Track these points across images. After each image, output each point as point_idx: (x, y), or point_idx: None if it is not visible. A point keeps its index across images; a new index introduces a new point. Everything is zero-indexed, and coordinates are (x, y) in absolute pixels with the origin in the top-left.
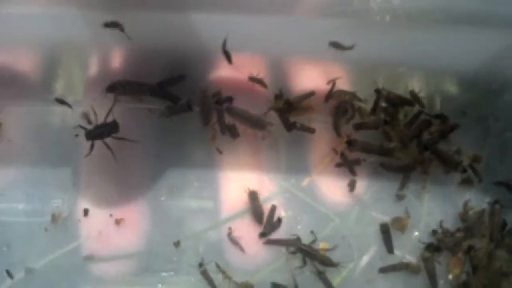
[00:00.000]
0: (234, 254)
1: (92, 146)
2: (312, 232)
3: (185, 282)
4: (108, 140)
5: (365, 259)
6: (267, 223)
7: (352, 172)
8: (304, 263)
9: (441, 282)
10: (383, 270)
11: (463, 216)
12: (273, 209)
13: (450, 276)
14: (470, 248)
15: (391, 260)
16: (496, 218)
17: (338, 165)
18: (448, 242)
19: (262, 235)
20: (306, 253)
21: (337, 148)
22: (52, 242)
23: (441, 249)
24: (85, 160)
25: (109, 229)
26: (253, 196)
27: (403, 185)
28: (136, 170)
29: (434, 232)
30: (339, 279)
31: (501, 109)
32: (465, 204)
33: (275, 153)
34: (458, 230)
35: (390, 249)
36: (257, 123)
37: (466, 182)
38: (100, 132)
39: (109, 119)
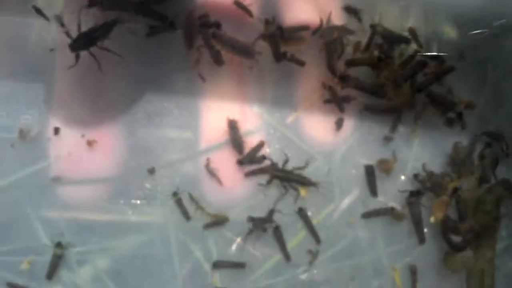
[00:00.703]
0: (211, 187)
1: (77, 57)
2: (285, 154)
3: (157, 211)
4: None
5: (346, 201)
6: (248, 155)
7: (341, 109)
8: (285, 188)
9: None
10: (366, 215)
11: (453, 156)
12: (261, 145)
13: (432, 219)
14: (456, 190)
15: (373, 205)
16: (487, 160)
17: (327, 101)
18: (432, 183)
19: (239, 162)
20: (283, 178)
21: (327, 84)
22: (19, 160)
23: (423, 193)
24: (58, 76)
25: (80, 150)
26: (233, 125)
27: (393, 127)
28: (113, 92)
29: (416, 176)
30: (318, 219)
31: (501, 56)
32: (455, 145)
33: (261, 85)
34: (446, 174)
35: (373, 192)
36: (244, 51)
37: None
38: (90, 38)
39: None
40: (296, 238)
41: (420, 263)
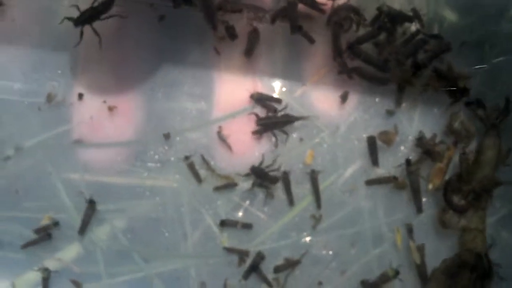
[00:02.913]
0: (222, 153)
1: (81, 33)
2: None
3: (171, 174)
4: (105, 27)
5: (349, 171)
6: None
7: (350, 76)
8: (275, 137)
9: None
10: (369, 183)
11: (449, 125)
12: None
13: (430, 186)
14: (463, 153)
15: (374, 175)
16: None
17: (340, 72)
18: (430, 149)
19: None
20: (270, 124)
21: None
22: (44, 123)
23: (421, 161)
24: (85, 46)
25: (101, 115)
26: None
27: (398, 101)
28: (134, 61)
29: (419, 139)
30: (323, 186)
31: (497, 36)
32: (452, 115)
33: (271, 60)
34: (442, 142)
35: (375, 161)
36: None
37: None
38: (92, 14)
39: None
40: (300, 204)
41: (419, 232)
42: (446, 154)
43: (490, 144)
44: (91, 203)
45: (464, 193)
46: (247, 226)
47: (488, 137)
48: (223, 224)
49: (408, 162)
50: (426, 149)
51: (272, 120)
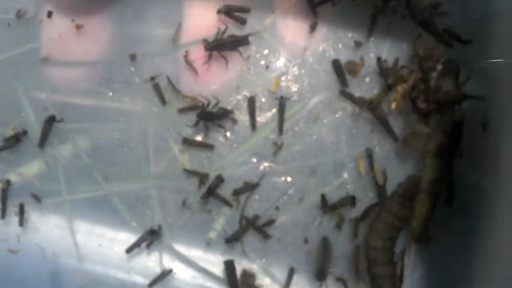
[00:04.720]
0: (188, 77)
1: None
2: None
3: (136, 96)
4: None
5: (314, 100)
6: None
7: (314, 13)
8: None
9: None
10: (343, 93)
11: (414, 51)
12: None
13: (393, 105)
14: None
15: (338, 105)
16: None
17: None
18: (391, 72)
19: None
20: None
21: None
22: (13, 39)
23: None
24: None
25: (69, 34)
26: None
27: (370, 31)
28: None
29: (379, 59)
30: (287, 114)
31: None
32: (414, 41)
33: None
34: (403, 66)
35: (344, 83)
36: None
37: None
38: None
39: None
40: (263, 131)
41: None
42: (411, 77)
43: (448, 79)
44: (51, 117)
45: (430, 102)
46: (208, 146)
47: (446, 71)
48: (185, 142)
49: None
50: (386, 73)
51: (220, 41)
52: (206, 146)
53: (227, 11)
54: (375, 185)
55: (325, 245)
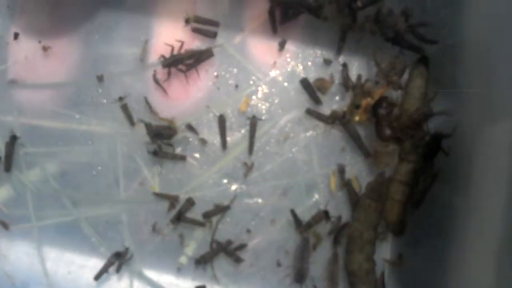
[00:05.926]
0: (156, 97)
1: None
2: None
3: (104, 118)
4: None
5: (284, 119)
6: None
7: (274, 29)
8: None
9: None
10: (309, 112)
11: (377, 65)
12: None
13: (357, 118)
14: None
15: (309, 124)
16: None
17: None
18: (359, 89)
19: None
20: (174, 61)
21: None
22: None
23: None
24: None
25: (36, 55)
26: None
27: (339, 49)
28: (71, 3)
29: (344, 69)
30: (258, 134)
31: None
32: (375, 54)
33: (213, 5)
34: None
35: (316, 100)
36: None
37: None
38: None
39: None
40: (233, 151)
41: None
42: (377, 91)
43: (418, 73)
44: (12, 137)
45: (395, 128)
46: (181, 158)
47: (417, 67)
48: (156, 154)
49: (343, 114)
50: (349, 86)
51: (177, 57)
52: (178, 157)
53: (196, 21)
54: (348, 195)
55: (304, 245)
